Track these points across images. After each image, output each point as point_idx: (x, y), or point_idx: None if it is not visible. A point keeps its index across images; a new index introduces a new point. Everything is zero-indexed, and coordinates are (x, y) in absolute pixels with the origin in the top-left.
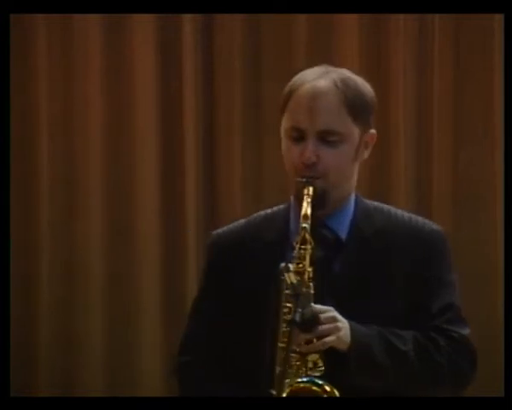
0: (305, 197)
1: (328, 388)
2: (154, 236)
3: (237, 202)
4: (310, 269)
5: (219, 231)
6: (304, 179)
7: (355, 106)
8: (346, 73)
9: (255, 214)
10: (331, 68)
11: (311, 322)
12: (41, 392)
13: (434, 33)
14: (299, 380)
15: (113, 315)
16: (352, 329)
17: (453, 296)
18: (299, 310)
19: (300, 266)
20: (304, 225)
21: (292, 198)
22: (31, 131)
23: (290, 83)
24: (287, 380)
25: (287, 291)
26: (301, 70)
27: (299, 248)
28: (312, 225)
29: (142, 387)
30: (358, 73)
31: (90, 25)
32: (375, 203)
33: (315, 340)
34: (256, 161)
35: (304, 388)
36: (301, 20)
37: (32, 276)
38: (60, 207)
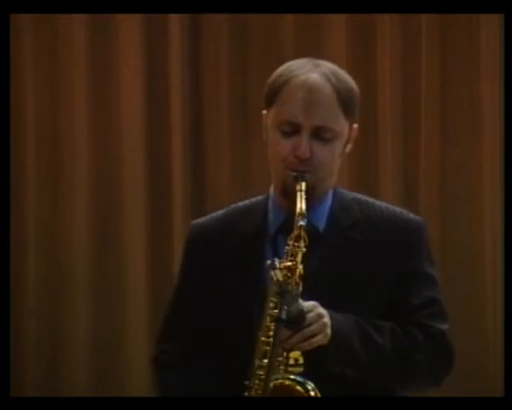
0: (298, 193)
1: (312, 391)
2: (141, 235)
3: (225, 200)
4: (301, 267)
5: (199, 220)
6: (295, 174)
7: (346, 101)
8: (332, 66)
9: (233, 205)
10: (318, 61)
11: (297, 320)
12: (27, 392)
13: (421, 33)
14: (284, 377)
15: (100, 313)
16: (331, 321)
17: (434, 290)
18: (285, 308)
19: (293, 263)
20: (301, 222)
21: (271, 189)
22: (17, 130)
23: (277, 74)
24: (272, 375)
25: (274, 288)
26: None
27: (293, 245)
28: (291, 218)
29: (129, 386)
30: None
31: (76, 24)
32: (354, 194)
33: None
34: (243, 159)
35: (287, 386)
36: (288, 20)
37: (18, 275)
38: (46, 204)
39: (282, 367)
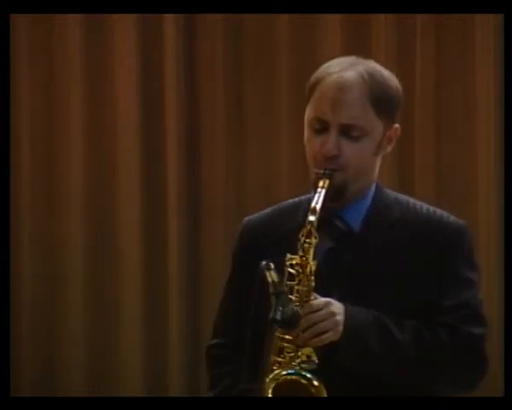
0: (318, 190)
1: (316, 382)
2: (136, 236)
3: (220, 200)
4: (312, 263)
5: (250, 217)
6: (321, 171)
7: (380, 100)
8: (373, 65)
9: (284, 202)
10: (360, 60)
11: (292, 321)
12: (23, 392)
13: (416, 33)
14: (287, 373)
15: (94, 314)
16: (346, 317)
17: (470, 294)
18: (280, 309)
19: (304, 259)
20: (311, 218)
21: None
22: (12, 130)
23: (317, 72)
24: (276, 371)
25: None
26: (283, 70)
27: (304, 241)
28: (327, 216)
29: (123, 386)
30: None
31: (71, 24)
32: (396, 194)
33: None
34: (238, 160)
35: (291, 381)
36: (283, 21)
37: (14, 276)
38: (41, 205)
39: (294, 363)
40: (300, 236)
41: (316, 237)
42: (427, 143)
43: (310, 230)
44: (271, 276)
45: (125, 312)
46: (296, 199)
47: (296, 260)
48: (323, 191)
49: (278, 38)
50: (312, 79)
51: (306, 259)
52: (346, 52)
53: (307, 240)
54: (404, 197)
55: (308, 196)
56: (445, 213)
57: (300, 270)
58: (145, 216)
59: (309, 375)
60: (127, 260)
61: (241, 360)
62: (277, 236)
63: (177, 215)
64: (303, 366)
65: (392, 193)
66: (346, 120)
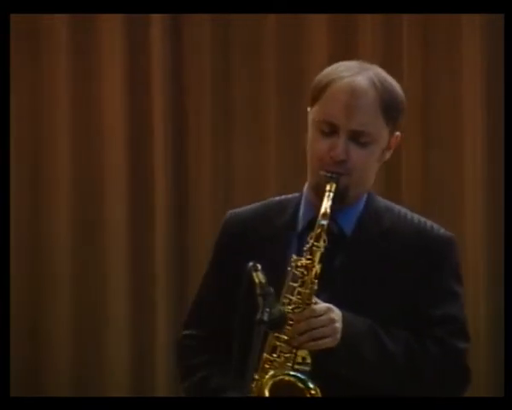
0: (326, 193)
1: (312, 389)
2: (123, 233)
3: (207, 200)
4: (318, 266)
5: (235, 210)
6: (329, 174)
7: (389, 108)
8: (380, 71)
9: (270, 199)
10: (367, 65)
11: (279, 322)
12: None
13: (402, 33)
14: (286, 373)
15: (81, 309)
16: (344, 325)
17: (456, 308)
18: (267, 310)
19: (309, 261)
20: (322, 222)
21: (305, 187)
22: None
23: (324, 74)
24: (271, 371)
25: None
26: (270, 70)
27: (312, 244)
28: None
29: (109, 383)
30: None
31: (57, 24)
32: (387, 202)
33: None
34: (225, 159)
35: (288, 382)
36: (271, 21)
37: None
38: (26, 202)
39: (289, 364)
40: (309, 238)
41: (325, 241)
42: (413, 145)
43: (320, 233)
44: (258, 277)
45: (112, 307)
46: (283, 197)
47: (302, 261)
48: (332, 195)
49: (265, 38)
50: (321, 80)
51: (313, 262)
52: (333, 52)
53: (316, 243)
54: (394, 206)
55: (296, 194)
56: (435, 225)
57: (305, 272)
58: (132, 213)
59: (307, 380)
60: (114, 257)
61: (215, 353)
62: (264, 232)
63: (164, 214)
64: (296, 367)
65: (382, 200)
66: (356, 126)
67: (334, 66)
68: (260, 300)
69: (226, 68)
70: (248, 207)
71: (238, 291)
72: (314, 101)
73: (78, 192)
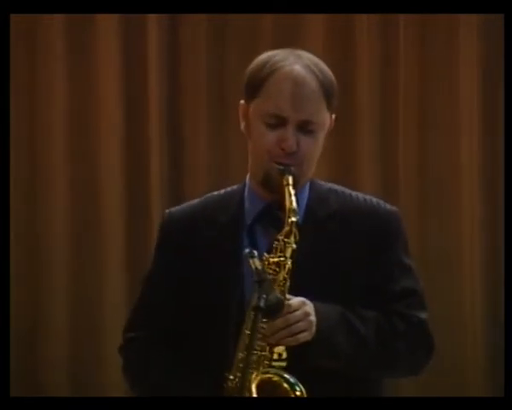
0: (286, 188)
1: (298, 392)
2: (119, 223)
3: (202, 187)
4: (289, 262)
5: (173, 209)
6: (282, 167)
7: (329, 93)
8: (311, 56)
9: (209, 194)
10: (299, 52)
11: (276, 308)
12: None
13: (399, 32)
14: (272, 372)
15: (78, 302)
16: (318, 318)
17: (412, 280)
18: (264, 296)
19: (282, 258)
20: (292, 219)
21: (247, 178)
22: None
23: (259, 65)
24: (250, 368)
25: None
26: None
27: (283, 241)
28: (269, 208)
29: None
30: None
31: (55, 24)
32: (330, 185)
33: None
34: (220, 147)
35: (274, 382)
36: (267, 20)
37: None
38: (23, 194)
39: (266, 362)
40: (279, 235)
41: (296, 237)
42: (410, 141)
43: (290, 230)
44: (255, 263)
45: (108, 299)
46: (222, 191)
47: (274, 259)
48: (291, 188)
49: (261, 37)
50: (257, 72)
51: (284, 258)
52: (330, 52)
53: (286, 240)
54: (338, 187)
55: (235, 187)
56: (380, 201)
57: (277, 269)
58: (128, 203)
59: (293, 381)
60: (110, 248)
61: (168, 352)
62: (209, 229)
63: (159, 202)
64: (273, 364)
65: (325, 184)
66: (305, 116)
67: (266, 56)
68: (256, 286)
69: (222, 68)
70: (186, 204)
71: (186, 290)
72: (254, 93)
73: (75, 192)
